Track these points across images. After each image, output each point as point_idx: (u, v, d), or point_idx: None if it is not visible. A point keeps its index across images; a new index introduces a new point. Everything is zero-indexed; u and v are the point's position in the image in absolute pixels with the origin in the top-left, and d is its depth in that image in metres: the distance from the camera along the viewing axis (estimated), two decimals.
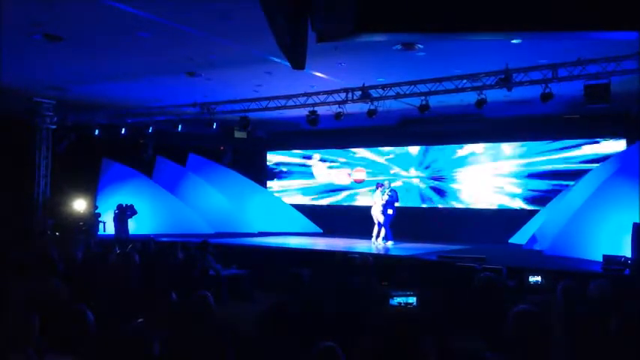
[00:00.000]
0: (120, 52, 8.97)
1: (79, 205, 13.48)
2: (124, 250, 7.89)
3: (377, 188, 12.95)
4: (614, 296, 4.44)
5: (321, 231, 16.18)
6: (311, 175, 17.65)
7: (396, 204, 12.78)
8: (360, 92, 10.64)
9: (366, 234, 13.11)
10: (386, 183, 13.07)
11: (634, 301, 4.88)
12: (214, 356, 3.28)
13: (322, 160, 17.45)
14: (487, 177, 14.67)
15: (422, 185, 15.69)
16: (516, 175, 14.27)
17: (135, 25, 7.58)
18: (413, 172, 15.83)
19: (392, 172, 15.93)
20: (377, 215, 12.65)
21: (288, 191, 17.94)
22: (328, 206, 17.20)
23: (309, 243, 13.01)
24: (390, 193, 12.62)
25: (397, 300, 4.74)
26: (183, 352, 3.26)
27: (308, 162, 17.69)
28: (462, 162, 15.03)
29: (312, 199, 17.54)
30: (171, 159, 16.37)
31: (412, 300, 4.75)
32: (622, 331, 3.26)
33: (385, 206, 12.50)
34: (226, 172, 16.58)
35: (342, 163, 17.13)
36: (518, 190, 14.24)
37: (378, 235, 12.65)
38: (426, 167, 15.62)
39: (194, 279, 7.68)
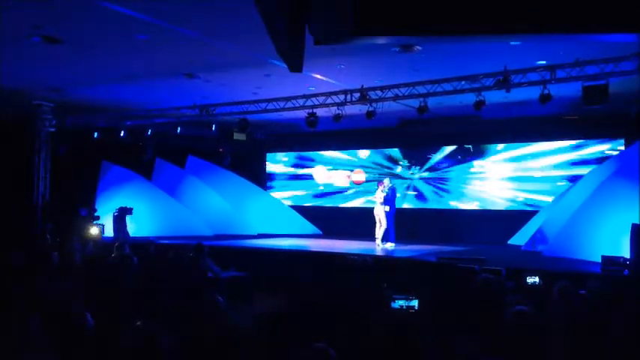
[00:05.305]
0: (119, 54, 8.97)
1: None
2: (123, 252, 7.89)
3: (377, 187, 12.91)
4: (611, 296, 4.45)
5: (321, 233, 16.18)
6: (310, 177, 17.67)
7: (397, 196, 12.66)
8: (358, 94, 10.66)
9: (366, 235, 13.05)
10: (385, 181, 12.92)
11: (633, 301, 4.88)
12: (216, 357, 3.29)
13: (321, 161, 17.48)
14: (486, 178, 14.69)
15: (421, 186, 15.71)
16: (515, 176, 14.29)
17: (134, 28, 7.59)
18: (412, 173, 15.85)
19: (391, 173, 15.93)
20: (378, 214, 12.50)
21: (287, 192, 17.96)
22: (328, 208, 17.20)
23: (308, 245, 12.99)
24: (387, 191, 12.52)
25: (399, 303, 4.71)
26: (190, 354, 3.26)
27: (309, 155, 17.70)
28: (461, 163, 15.05)
29: (312, 200, 17.56)
30: (171, 161, 16.34)
31: (414, 303, 4.71)
32: (620, 331, 3.27)
33: (383, 204, 12.45)
34: (225, 174, 16.56)
35: (341, 164, 17.16)
36: (517, 191, 14.26)
37: (382, 237, 12.43)
38: (425, 169, 15.64)
39: (193, 282, 7.67)
